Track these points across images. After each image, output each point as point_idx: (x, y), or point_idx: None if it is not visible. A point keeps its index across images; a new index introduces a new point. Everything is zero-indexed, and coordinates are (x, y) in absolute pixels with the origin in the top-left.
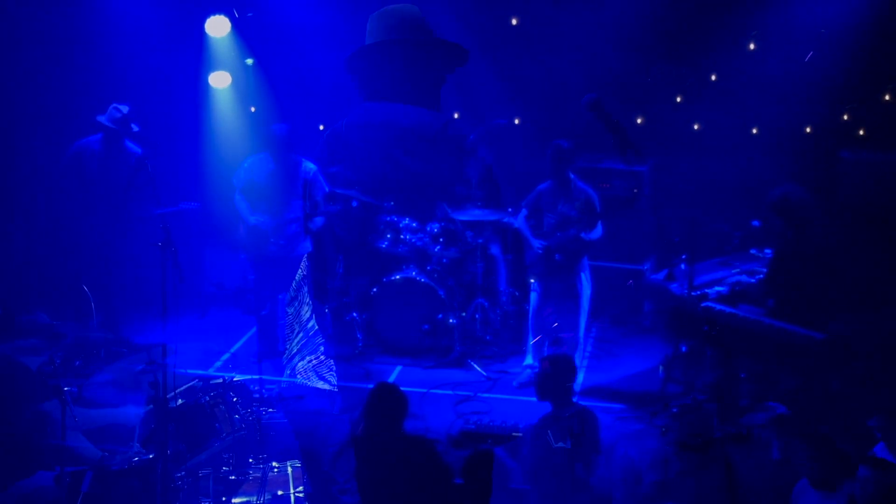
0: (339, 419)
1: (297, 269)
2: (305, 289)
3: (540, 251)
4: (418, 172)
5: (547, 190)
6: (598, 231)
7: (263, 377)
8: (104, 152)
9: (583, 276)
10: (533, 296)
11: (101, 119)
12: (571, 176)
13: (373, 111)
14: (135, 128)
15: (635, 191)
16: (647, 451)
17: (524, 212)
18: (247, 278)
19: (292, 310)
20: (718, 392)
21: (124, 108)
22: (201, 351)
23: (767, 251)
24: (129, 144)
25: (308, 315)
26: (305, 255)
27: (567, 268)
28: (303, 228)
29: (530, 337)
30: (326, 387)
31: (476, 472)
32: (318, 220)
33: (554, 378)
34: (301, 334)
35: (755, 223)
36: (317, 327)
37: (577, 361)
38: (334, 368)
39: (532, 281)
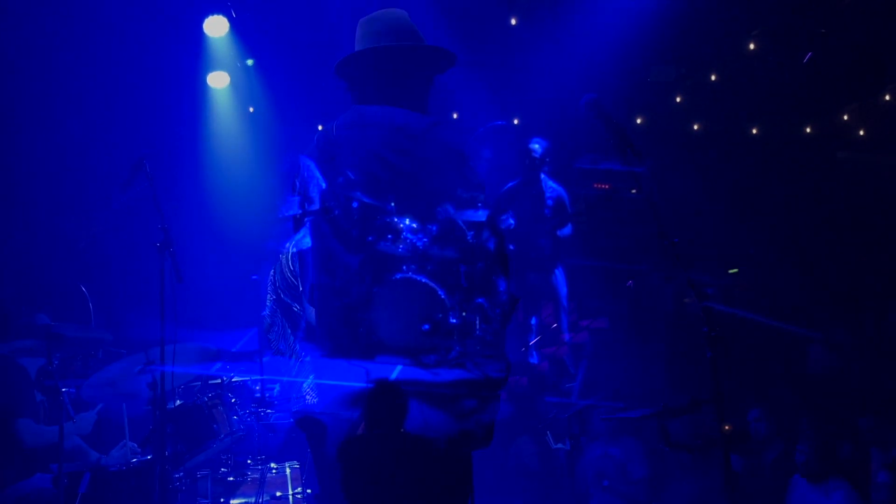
0: (340, 419)
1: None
2: (279, 311)
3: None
4: (410, 172)
5: (517, 188)
6: (568, 228)
7: (264, 377)
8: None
9: (556, 272)
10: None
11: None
12: (542, 175)
13: (361, 113)
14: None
15: (634, 191)
16: (647, 451)
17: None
18: (249, 278)
19: (272, 335)
20: (716, 391)
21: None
22: (202, 351)
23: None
24: None
25: (291, 342)
26: (300, 253)
27: (541, 266)
28: (300, 224)
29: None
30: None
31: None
32: (313, 209)
33: (549, 378)
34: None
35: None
36: (299, 348)
37: (567, 359)
38: (330, 366)
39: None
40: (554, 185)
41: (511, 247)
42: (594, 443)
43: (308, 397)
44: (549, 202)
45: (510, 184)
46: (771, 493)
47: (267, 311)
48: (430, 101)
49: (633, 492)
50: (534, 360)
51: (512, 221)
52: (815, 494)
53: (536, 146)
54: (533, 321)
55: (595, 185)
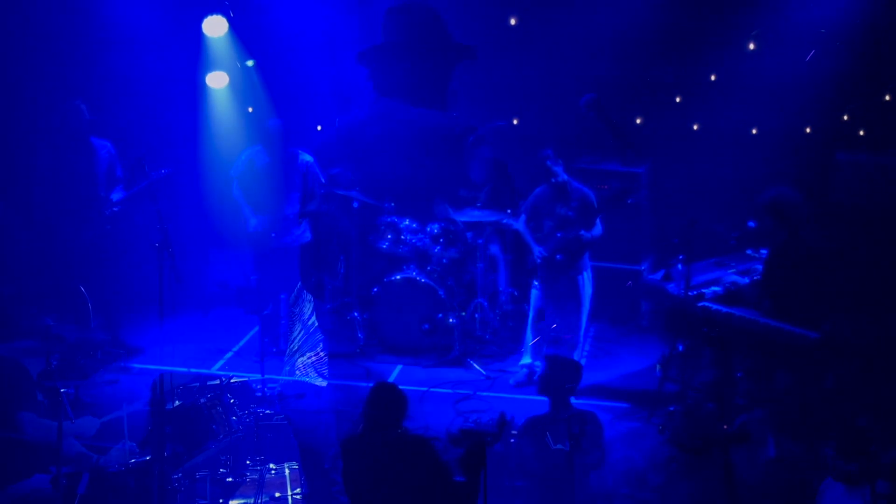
0: (340, 418)
1: (298, 263)
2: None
3: (539, 260)
4: (433, 174)
5: (544, 193)
6: (598, 229)
7: (266, 376)
8: (69, 151)
9: (585, 275)
10: (534, 294)
11: (60, 117)
12: (566, 177)
13: (393, 107)
14: (89, 117)
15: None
16: (647, 451)
17: (523, 216)
18: (250, 278)
19: (296, 308)
20: (716, 391)
21: (75, 101)
22: (204, 350)
23: (763, 251)
24: (96, 140)
25: (309, 312)
26: (303, 245)
27: (569, 268)
28: (301, 220)
29: (529, 337)
30: (323, 383)
31: (469, 467)
32: (313, 205)
33: (556, 378)
34: (302, 331)
35: (751, 224)
36: (317, 324)
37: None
38: (331, 365)
39: (535, 282)
40: (578, 186)
41: (539, 252)
42: (616, 443)
43: (297, 372)
44: (574, 203)
45: (538, 189)
46: (767, 493)
47: (293, 295)
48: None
49: (649, 499)
50: (535, 359)
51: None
52: (854, 498)
53: (548, 154)
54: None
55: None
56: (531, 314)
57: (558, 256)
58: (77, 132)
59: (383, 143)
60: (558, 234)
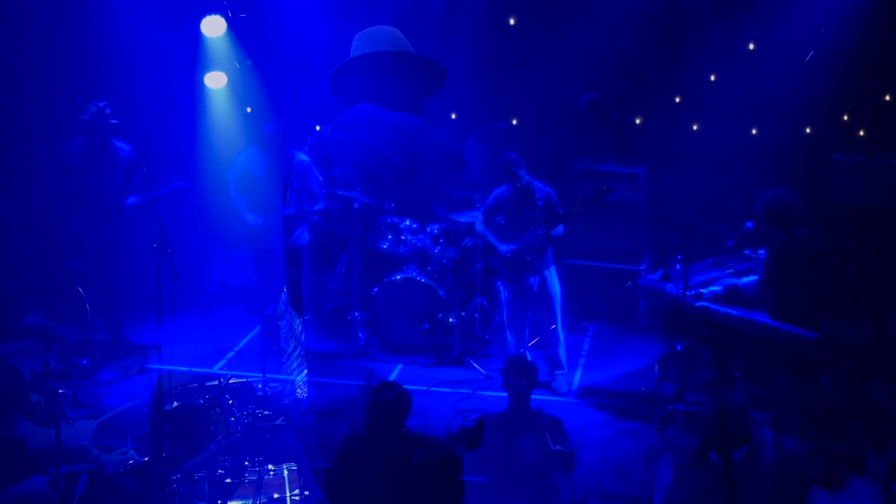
0: (339, 418)
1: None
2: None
3: (509, 255)
4: (405, 169)
5: (506, 194)
6: (560, 229)
7: (267, 376)
8: (89, 151)
9: (551, 271)
10: (503, 298)
11: (84, 116)
12: (528, 177)
13: (356, 113)
14: (113, 121)
15: (630, 192)
16: (645, 451)
17: (482, 218)
18: (251, 278)
19: (283, 324)
20: (714, 391)
21: (100, 103)
22: (205, 350)
23: (761, 252)
24: (118, 143)
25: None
26: (302, 247)
27: (536, 267)
28: (299, 221)
29: (509, 338)
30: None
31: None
32: (318, 207)
33: (513, 376)
34: (291, 335)
35: (749, 224)
36: (301, 328)
37: (562, 357)
38: (331, 365)
39: (499, 284)
40: (541, 186)
41: (506, 249)
42: (590, 445)
43: (302, 392)
44: (540, 203)
45: (497, 190)
46: (766, 493)
47: (282, 302)
48: (429, 103)
49: (634, 494)
50: (530, 360)
51: (503, 222)
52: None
53: (513, 157)
54: (528, 322)
55: (594, 186)
56: (505, 317)
57: (528, 258)
58: (98, 132)
59: (353, 145)
60: (526, 235)
